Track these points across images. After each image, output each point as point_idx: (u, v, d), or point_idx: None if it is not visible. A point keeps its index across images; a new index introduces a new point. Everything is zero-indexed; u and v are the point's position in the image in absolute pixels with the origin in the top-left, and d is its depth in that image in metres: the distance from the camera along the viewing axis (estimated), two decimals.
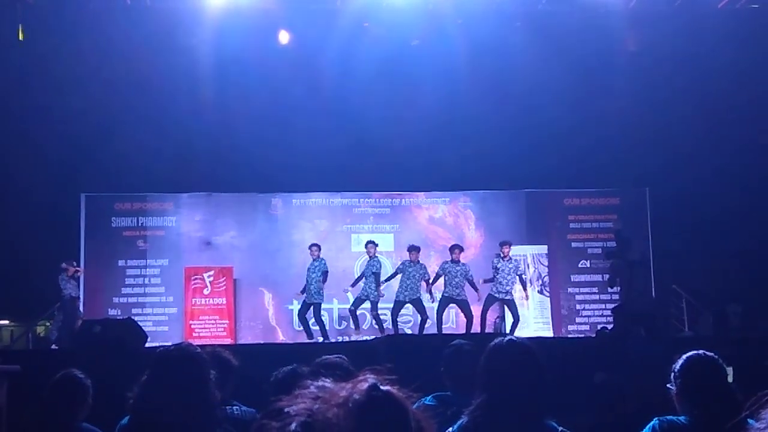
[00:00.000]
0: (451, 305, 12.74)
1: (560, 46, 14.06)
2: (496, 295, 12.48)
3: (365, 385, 1.24)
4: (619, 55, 14.12)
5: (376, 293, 12.55)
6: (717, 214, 13.83)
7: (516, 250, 14.13)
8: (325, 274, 12.69)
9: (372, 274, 12.58)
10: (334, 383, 1.27)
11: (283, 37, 14.34)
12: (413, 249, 12.73)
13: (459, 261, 12.48)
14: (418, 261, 12.64)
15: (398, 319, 12.72)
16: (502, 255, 12.63)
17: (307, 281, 12.68)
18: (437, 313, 12.47)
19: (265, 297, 14.81)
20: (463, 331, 12.11)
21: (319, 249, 13.02)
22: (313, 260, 12.82)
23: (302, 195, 15.32)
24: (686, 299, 13.79)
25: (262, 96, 14.09)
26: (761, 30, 13.30)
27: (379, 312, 12.61)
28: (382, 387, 1.24)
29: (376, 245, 12.97)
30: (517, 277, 12.65)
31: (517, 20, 13.96)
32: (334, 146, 14.27)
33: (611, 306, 13.27)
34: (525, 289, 12.96)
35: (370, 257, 12.82)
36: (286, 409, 1.21)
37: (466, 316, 12.41)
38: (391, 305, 12.70)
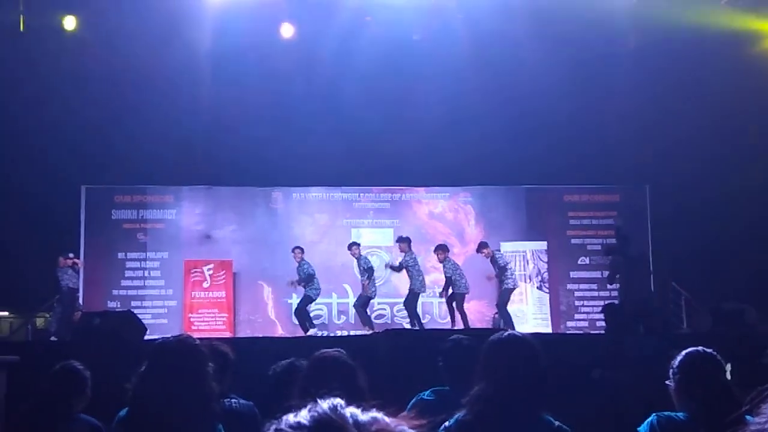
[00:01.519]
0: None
1: (561, 42, 14.02)
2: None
3: None
4: (621, 50, 14.09)
5: (373, 289, 12.76)
6: (717, 212, 13.81)
7: (515, 246, 14.14)
8: (310, 276, 12.97)
9: (364, 270, 12.81)
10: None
11: (286, 30, 14.29)
12: (402, 240, 12.95)
13: (444, 260, 12.60)
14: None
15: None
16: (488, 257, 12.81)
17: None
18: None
19: (265, 291, 14.81)
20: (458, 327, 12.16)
21: (303, 252, 13.25)
22: (299, 263, 13.09)
23: (302, 189, 15.30)
24: (685, 296, 13.78)
25: (262, 89, 14.05)
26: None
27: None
28: None
29: (359, 245, 13.31)
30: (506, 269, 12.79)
31: (519, 15, 13.91)
32: (334, 140, 14.23)
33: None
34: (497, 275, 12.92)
35: (357, 258, 12.99)
36: None
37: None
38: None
